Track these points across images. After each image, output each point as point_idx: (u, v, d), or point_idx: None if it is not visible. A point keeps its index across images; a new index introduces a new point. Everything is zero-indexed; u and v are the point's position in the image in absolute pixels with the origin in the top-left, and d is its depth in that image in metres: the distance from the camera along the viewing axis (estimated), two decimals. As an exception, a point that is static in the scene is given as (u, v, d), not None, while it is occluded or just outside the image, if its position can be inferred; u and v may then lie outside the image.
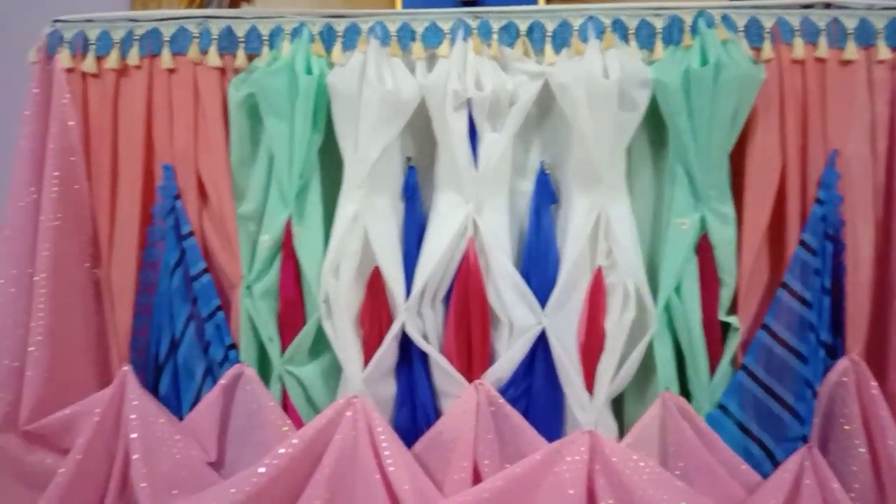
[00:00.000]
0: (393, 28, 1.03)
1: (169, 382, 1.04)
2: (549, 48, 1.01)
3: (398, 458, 0.93)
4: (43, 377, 1.00)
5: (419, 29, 1.03)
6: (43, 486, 0.97)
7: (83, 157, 1.06)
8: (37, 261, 1.02)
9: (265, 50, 1.05)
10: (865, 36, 0.99)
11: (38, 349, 1.00)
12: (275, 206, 1.03)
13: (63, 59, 1.06)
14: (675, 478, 0.92)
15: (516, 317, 0.98)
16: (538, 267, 1.00)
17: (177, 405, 1.04)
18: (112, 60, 1.06)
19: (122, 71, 1.06)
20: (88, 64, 1.06)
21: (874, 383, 0.94)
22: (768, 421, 0.96)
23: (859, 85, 0.98)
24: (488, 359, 0.99)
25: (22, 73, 1.12)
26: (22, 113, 1.07)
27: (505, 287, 0.99)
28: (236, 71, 1.05)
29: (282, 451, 0.94)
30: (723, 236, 0.98)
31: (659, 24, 1.00)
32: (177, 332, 1.04)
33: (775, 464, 0.94)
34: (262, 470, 0.93)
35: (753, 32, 0.99)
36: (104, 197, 1.06)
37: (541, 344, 0.98)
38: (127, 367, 1.02)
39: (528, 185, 1.04)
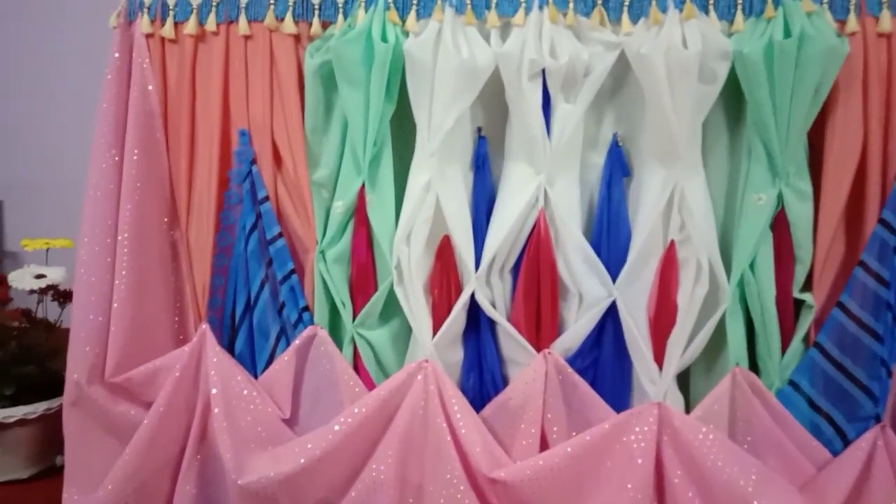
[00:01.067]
0: (468, -4, 1.03)
1: (244, 341, 1.07)
2: (626, 18, 1.00)
3: (469, 421, 0.95)
4: (126, 332, 1.04)
5: (494, -3, 1.02)
6: (128, 437, 1.02)
7: (162, 121, 1.09)
8: (119, 220, 1.06)
9: (340, 18, 1.05)
10: (959, 8, 0.96)
11: (121, 305, 1.04)
12: (348, 174, 1.05)
13: (143, 24, 1.09)
14: (745, 452, 0.93)
15: (586, 288, 0.99)
16: (609, 239, 1.00)
17: (251, 364, 1.08)
18: (190, 26, 1.08)
19: (200, 37, 1.08)
20: (167, 29, 1.08)
21: (951, 365, 0.93)
22: (840, 399, 0.95)
23: (949, 59, 0.95)
24: (556, 329, 1.00)
25: (98, 39, 1.16)
26: (104, 78, 1.11)
27: (575, 258, 0.99)
28: (311, 38, 1.06)
29: (356, 410, 0.97)
30: (800, 213, 0.96)
31: (741, -6, 0.98)
32: (252, 293, 1.07)
33: (846, 442, 0.94)
34: (337, 428, 0.96)
35: (838, 4, 0.96)
36: (182, 160, 1.09)
37: (610, 316, 0.99)
38: (205, 325, 1.06)
39: (599, 158, 1.03)
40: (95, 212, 1.07)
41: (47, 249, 1.41)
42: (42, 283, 1.33)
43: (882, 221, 0.96)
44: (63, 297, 1.34)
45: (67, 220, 1.24)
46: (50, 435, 1.24)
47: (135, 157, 1.07)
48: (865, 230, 0.97)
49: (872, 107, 0.96)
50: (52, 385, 1.23)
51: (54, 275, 1.33)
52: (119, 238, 1.05)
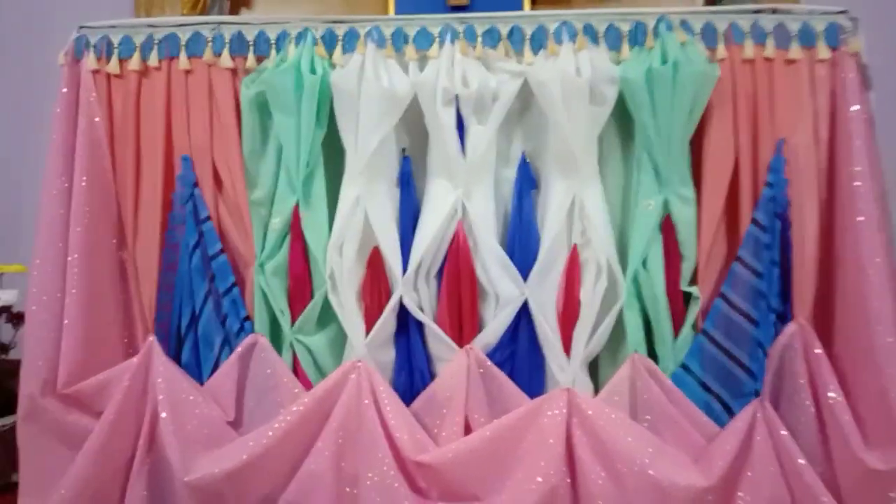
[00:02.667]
0: (388, 32, 1.14)
1: (190, 352, 1.15)
2: (527, 49, 1.13)
3: (398, 413, 1.05)
4: (77, 346, 1.11)
5: (411, 33, 1.14)
6: (80, 447, 1.08)
7: (108, 149, 1.17)
8: (70, 242, 1.13)
9: (273, 52, 1.16)
10: (807, 38, 1.11)
11: (72, 321, 1.10)
12: (284, 193, 1.14)
13: (89, 61, 1.17)
14: (644, 429, 1.04)
15: (502, 289, 1.10)
16: (521, 245, 1.12)
17: (197, 372, 1.15)
18: (134, 63, 1.17)
19: (143, 72, 1.18)
20: (112, 66, 1.17)
21: (818, 344, 1.06)
22: (725, 379, 1.08)
23: (803, 81, 1.10)
24: (477, 327, 1.11)
25: (44, 77, 1.23)
26: (51, 112, 1.18)
27: (491, 263, 1.10)
28: (247, 71, 1.17)
29: (294, 408, 1.05)
30: (684, 216, 1.10)
31: (625, 27, 1.12)
32: (197, 306, 1.15)
33: (732, 416, 1.06)
34: (277, 425, 1.04)
35: (709, 35, 1.12)
36: (129, 185, 1.17)
37: (524, 313, 1.10)
38: (152, 338, 1.14)
39: (511, 173, 1.16)
40: (48, 235, 1.14)
41: (1, 274, 1.45)
42: (-5, 306, 1.37)
43: (754, 221, 1.10)
44: (16, 318, 1.38)
45: (19, 246, 1.30)
46: (5, 453, 1.27)
47: (83, 184, 1.15)
48: (741, 230, 1.10)
49: (742, 121, 1.11)
50: (7, 404, 1.27)
51: (7, 297, 1.38)
52: (69, 259, 1.12)
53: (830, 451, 1.02)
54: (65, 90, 1.18)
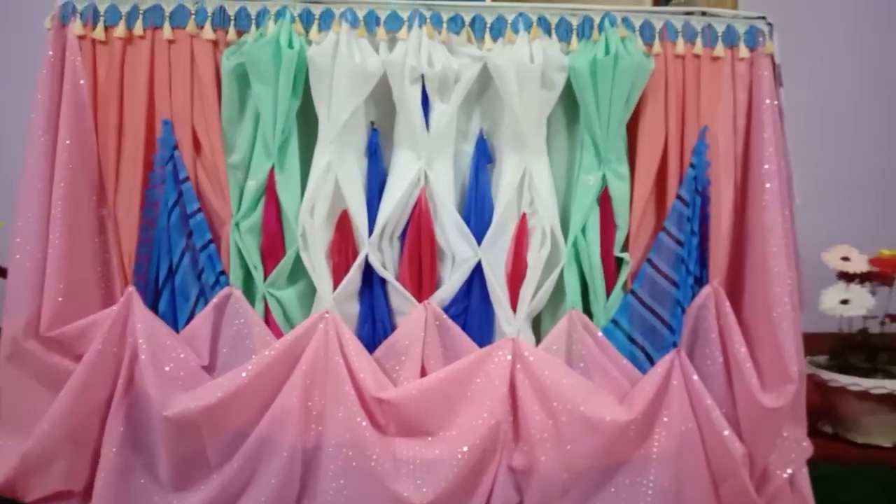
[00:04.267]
0: (361, 14, 1.25)
1: (167, 303, 1.24)
2: (487, 37, 1.25)
3: (361, 358, 1.17)
4: (59, 293, 1.18)
5: (382, 16, 1.25)
6: (61, 386, 1.16)
7: (92, 111, 1.24)
8: (53, 195, 1.20)
9: (253, 28, 1.25)
10: (731, 38, 1.26)
11: (53, 268, 1.17)
12: (260, 157, 1.24)
13: (75, 27, 1.24)
14: (578, 374, 1.19)
15: (458, 251, 1.22)
16: (476, 212, 1.25)
17: (173, 322, 1.24)
18: (119, 30, 1.24)
19: (128, 40, 1.25)
20: (98, 32, 1.24)
21: (728, 304, 1.22)
22: (650, 333, 1.23)
23: (725, 76, 1.25)
24: (435, 284, 1.23)
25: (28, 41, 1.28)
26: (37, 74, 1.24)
27: (450, 227, 1.23)
28: (228, 44, 1.25)
29: (267, 353, 1.16)
30: (619, 190, 1.24)
31: (574, 21, 1.26)
32: (174, 260, 1.24)
33: (654, 364, 1.22)
34: (250, 367, 1.15)
35: (646, 32, 1.26)
36: (111, 145, 1.25)
37: (477, 273, 1.23)
38: (131, 288, 1.22)
39: (469, 147, 1.28)
40: (30, 189, 1.21)
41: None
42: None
43: (679, 197, 1.25)
44: (-2, 272, 1.43)
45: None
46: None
47: (67, 142, 1.22)
48: (667, 204, 1.26)
49: (671, 110, 1.25)
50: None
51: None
52: (52, 210, 1.19)
53: (734, 394, 1.19)
54: (50, 53, 1.24)
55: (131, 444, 1.16)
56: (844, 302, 1.68)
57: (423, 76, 1.22)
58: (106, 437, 1.16)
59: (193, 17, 1.25)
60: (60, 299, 1.18)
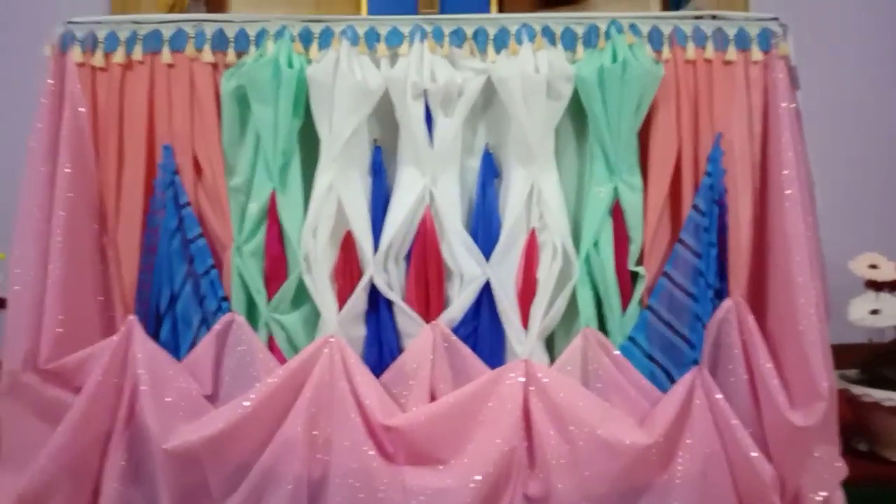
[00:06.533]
0: (361, 31, 1.23)
1: (168, 331, 1.21)
2: (490, 49, 1.22)
3: (368, 383, 1.12)
4: (58, 324, 1.15)
5: (383, 32, 1.23)
6: (59, 420, 1.13)
7: (92, 138, 1.23)
8: (53, 225, 1.18)
9: (252, 49, 1.24)
10: (743, 42, 1.22)
11: (53, 299, 1.15)
12: (261, 180, 1.21)
13: (75, 54, 1.23)
14: (594, 395, 1.13)
15: (466, 269, 1.18)
16: (484, 228, 1.21)
17: (175, 351, 1.21)
18: (118, 56, 1.23)
19: (127, 66, 1.24)
20: (97, 59, 1.23)
21: (751, 317, 1.16)
22: (669, 349, 1.18)
23: (738, 80, 1.21)
24: (443, 304, 1.19)
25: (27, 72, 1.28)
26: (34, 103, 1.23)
27: (456, 245, 1.19)
28: (227, 66, 1.24)
29: (270, 380, 1.12)
30: (632, 202, 1.20)
31: (580, 30, 1.22)
32: (175, 287, 1.21)
33: (674, 383, 1.16)
34: (253, 395, 1.11)
35: (655, 38, 1.22)
36: (111, 172, 1.23)
37: (486, 291, 1.18)
38: (132, 317, 1.19)
39: (475, 163, 1.24)
40: (30, 219, 1.19)
41: (-22, 261, 1.48)
42: (-24, 290, 1.40)
43: (695, 207, 1.20)
44: (-2, 303, 1.42)
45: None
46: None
47: (67, 171, 1.20)
48: (683, 215, 1.21)
49: (684, 116, 1.21)
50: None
51: (-15, 283, 1.41)
52: (53, 240, 1.18)
53: (761, 412, 1.13)
54: (50, 81, 1.23)
55: (132, 479, 1.13)
56: (874, 312, 1.60)
57: (425, 91, 1.19)
58: (107, 471, 1.12)
59: (192, 40, 1.24)
60: (60, 330, 1.16)
